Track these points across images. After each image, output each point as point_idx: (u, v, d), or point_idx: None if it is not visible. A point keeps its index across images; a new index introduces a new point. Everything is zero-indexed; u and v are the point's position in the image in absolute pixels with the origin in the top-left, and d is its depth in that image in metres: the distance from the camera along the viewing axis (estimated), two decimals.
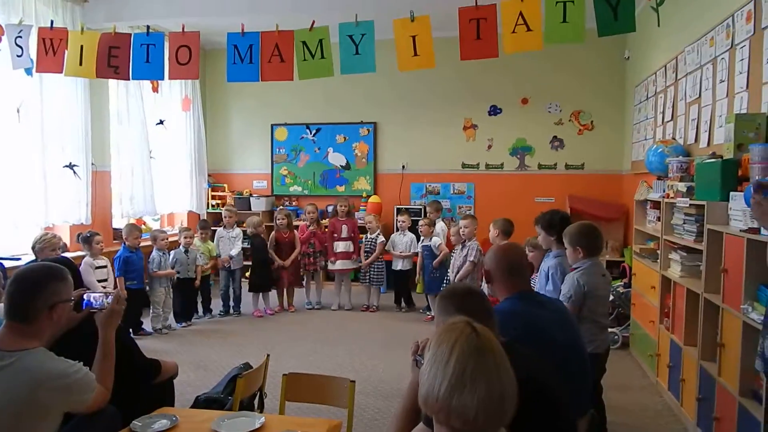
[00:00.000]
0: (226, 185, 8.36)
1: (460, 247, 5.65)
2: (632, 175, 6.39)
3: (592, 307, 3.00)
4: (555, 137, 7.48)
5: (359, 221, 7.02)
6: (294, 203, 8.15)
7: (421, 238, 6.28)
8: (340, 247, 6.61)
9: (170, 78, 4.37)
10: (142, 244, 5.77)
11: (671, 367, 3.86)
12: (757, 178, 2.71)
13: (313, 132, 8.13)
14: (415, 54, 3.82)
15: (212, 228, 6.68)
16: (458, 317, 1.37)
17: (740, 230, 2.79)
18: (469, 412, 1.18)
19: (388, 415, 3.66)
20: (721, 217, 3.12)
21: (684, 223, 3.71)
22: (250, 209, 7.75)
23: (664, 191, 4.20)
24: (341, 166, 8.09)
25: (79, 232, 5.50)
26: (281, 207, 7.44)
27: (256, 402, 3.07)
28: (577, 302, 2.96)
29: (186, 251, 6.02)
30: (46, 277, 2.02)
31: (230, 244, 6.46)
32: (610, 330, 4.09)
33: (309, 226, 6.67)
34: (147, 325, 5.73)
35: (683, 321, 3.61)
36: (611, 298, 4.74)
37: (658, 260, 4.18)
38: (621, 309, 5.29)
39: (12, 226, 5.26)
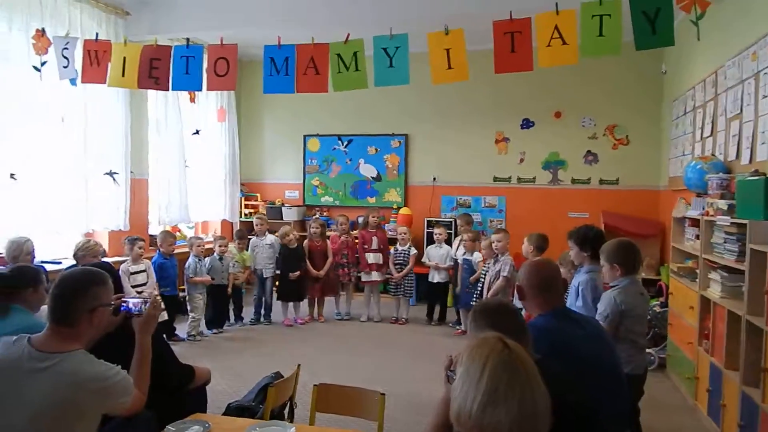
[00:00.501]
0: (258, 194, 8.49)
1: (492, 261, 5.59)
2: (669, 191, 6.24)
3: (629, 326, 2.92)
4: (589, 151, 7.37)
5: (390, 233, 7.02)
6: (325, 213, 8.20)
7: (463, 251, 6.17)
8: (371, 258, 6.62)
9: (208, 89, 4.46)
10: (176, 251, 5.89)
11: (711, 392, 3.73)
12: None
13: (345, 143, 8.20)
14: (449, 67, 3.81)
15: (248, 237, 6.76)
16: (490, 333, 1.35)
17: None
18: (503, 429, 1.16)
19: (418, 430, 3.62)
20: (764, 236, 3.03)
21: (725, 242, 3.60)
22: (281, 218, 7.84)
23: (703, 208, 4.09)
24: (372, 177, 8.12)
25: (128, 236, 5.64)
26: (316, 216, 7.51)
27: (286, 411, 3.08)
28: (614, 321, 2.89)
29: (220, 259, 6.12)
30: (88, 281, 2.07)
31: (264, 251, 6.51)
32: (646, 350, 3.99)
33: (341, 236, 6.71)
34: (180, 331, 5.83)
35: (723, 343, 3.49)
36: (648, 317, 4.62)
37: (697, 280, 4.06)
38: (657, 329, 5.15)
39: (54, 231, 5.43)
